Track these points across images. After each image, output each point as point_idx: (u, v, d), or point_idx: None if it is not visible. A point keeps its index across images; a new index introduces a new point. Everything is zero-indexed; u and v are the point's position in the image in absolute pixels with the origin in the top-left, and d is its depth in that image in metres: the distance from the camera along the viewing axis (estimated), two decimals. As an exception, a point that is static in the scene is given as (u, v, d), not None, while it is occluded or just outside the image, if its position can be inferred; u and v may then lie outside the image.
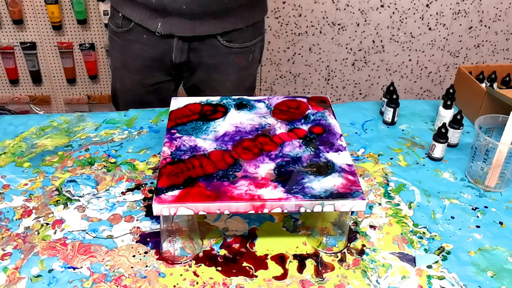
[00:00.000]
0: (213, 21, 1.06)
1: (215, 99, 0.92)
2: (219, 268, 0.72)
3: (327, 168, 0.74)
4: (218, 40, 1.09)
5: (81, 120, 1.06)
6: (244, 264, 0.73)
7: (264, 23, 1.20)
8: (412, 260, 0.75)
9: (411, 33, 2.26)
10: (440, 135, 0.94)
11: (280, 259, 0.74)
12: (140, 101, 1.20)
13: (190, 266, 0.73)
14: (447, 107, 1.01)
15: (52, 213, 0.82)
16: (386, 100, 1.06)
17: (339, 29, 2.21)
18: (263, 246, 0.76)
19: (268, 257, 0.75)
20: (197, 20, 1.05)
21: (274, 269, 0.73)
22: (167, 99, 1.20)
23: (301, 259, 0.74)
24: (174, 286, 0.70)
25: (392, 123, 1.07)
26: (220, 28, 1.08)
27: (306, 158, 0.76)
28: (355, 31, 2.20)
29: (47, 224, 0.79)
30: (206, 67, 1.14)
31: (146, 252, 0.75)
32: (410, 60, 2.34)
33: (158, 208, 0.67)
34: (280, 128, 0.84)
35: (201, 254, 0.75)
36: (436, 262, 0.74)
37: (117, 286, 0.69)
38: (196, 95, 1.05)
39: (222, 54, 1.12)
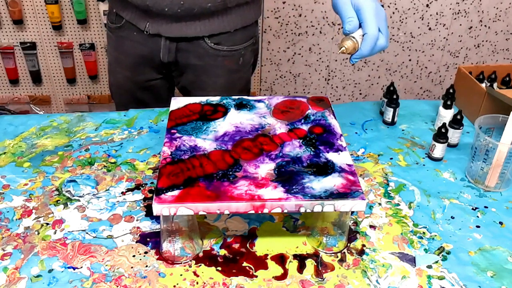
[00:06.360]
0: (199, 23, 1.06)
1: (215, 99, 0.92)
2: (219, 268, 0.72)
3: (327, 168, 0.74)
4: (205, 42, 1.09)
5: (81, 120, 1.06)
6: (244, 264, 0.73)
7: (257, 26, 1.19)
8: (412, 260, 0.75)
9: (411, 33, 2.26)
10: (440, 135, 0.94)
11: (280, 259, 0.74)
12: (134, 98, 1.21)
13: (190, 266, 0.73)
14: (447, 107, 1.02)
15: (52, 213, 0.82)
16: (386, 100, 1.06)
17: (339, 29, 2.21)
18: (263, 246, 0.76)
19: (268, 257, 0.75)
20: (183, 22, 1.05)
21: (274, 269, 0.73)
22: (162, 98, 1.22)
23: (301, 259, 0.74)
24: (174, 286, 0.70)
25: (392, 123, 1.07)
26: (207, 31, 1.08)
27: (306, 158, 0.76)
28: (355, 31, 2.20)
29: (47, 224, 0.79)
30: (194, 68, 1.14)
31: (146, 252, 0.75)
32: (410, 60, 2.34)
33: (158, 208, 0.67)
34: (280, 128, 0.84)
35: (201, 254, 0.75)
36: (436, 262, 0.74)
37: (117, 286, 0.69)
38: (188, 96, 1.05)
39: (210, 56, 1.12)
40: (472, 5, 2.22)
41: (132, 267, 0.72)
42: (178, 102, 0.91)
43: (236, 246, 0.76)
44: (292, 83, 2.36)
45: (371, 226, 0.81)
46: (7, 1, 1.97)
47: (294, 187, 0.70)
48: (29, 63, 2.13)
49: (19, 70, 2.16)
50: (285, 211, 0.69)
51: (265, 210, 0.69)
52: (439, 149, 0.95)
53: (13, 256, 0.74)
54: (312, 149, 0.78)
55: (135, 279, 0.71)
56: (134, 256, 0.74)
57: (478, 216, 0.83)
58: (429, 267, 0.74)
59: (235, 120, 0.86)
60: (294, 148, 0.79)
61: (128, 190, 0.87)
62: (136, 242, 0.77)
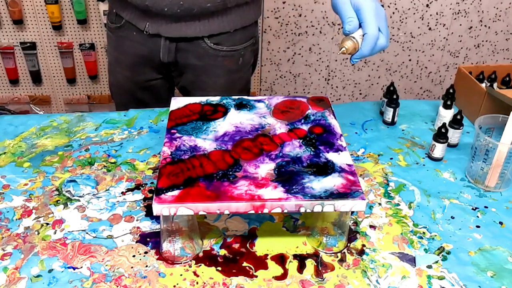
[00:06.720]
0: (199, 23, 1.06)
1: (215, 99, 0.92)
2: (219, 268, 0.72)
3: (327, 168, 0.74)
4: (205, 42, 1.09)
5: (81, 120, 1.06)
6: (244, 264, 0.73)
7: (256, 26, 1.19)
8: (412, 260, 0.75)
9: (411, 33, 2.26)
10: (440, 135, 0.94)
11: (280, 259, 0.74)
12: (134, 98, 1.21)
13: (190, 266, 0.73)
14: (447, 107, 1.02)
15: (52, 213, 0.82)
16: (386, 100, 1.06)
17: (339, 29, 2.21)
18: (263, 246, 0.76)
19: (268, 257, 0.75)
20: (183, 22, 1.05)
21: (274, 269, 0.73)
22: (162, 98, 1.22)
23: (301, 259, 0.74)
24: (174, 286, 0.70)
25: (392, 123, 1.07)
26: (206, 31, 1.08)
27: (306, 158, 0.76)
28: (355, 31, 2.20)
29: (47, 224, 0.79)
30: (194, 68, 1.14)
31: (146, 252, 0.75)
32: (410, 60, 2.34)
33: (158, 208, 0.67)
34: (280, 128, 0.84)
35: (201, 254, 0.75)
36: (436, 262, 0.74)
37: (117, 286, 0.69)
38: (188, 96, 1.05)
39: (209, 56, 1.12)
40: (472, 5, 2.22)
41: (132, 267, 0.72)
42: (178, 102, 0.91)
43: (236, 246, 0.76)
44: (292, 83, 2.36)
45: (371, 226, 0.81)
46: (7, 1, 1.97)
47: (294, 187, 0.70)
48: (29, 63, 2.13)
49: (19, 70, 2.16)
50: (285, 211, 0.69)
51: (265, 210, 0.69)
52: (439, 149, 0.95)
53: (13, 256, 0.74)
54: (312, 149, 0.78)
55: (135, 279, 0.71)
56: (134, 256, 0.74)
57: (478, 216, 0.83)
58: (429, 267, 0.74)
59: (235, 120, 0.86)
60: (294, 148, 0.79)
61: (128, 190, 0.87)
62: (136, 242, 0.77)
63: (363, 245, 0.77)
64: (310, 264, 0.74)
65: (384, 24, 0.80)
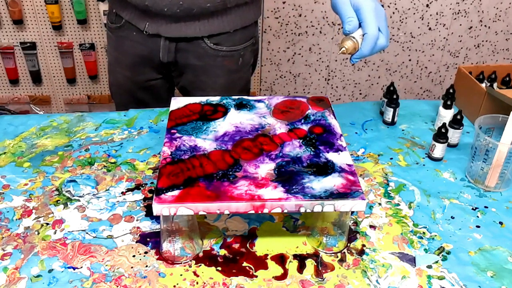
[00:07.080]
0: (199, 23, 1.06)
1: (215, 99, 0.92)
2: (219, 268, 0.72)
3: (327, 168, 0.74)
4: (205, 42, 1.09)
5: (81, 120, 1.06)
6: (244, 264, 0.73)
7: (256, 26, 1.19)
8: (412, 260, 0.75)
9: (411, 33, 2.26)
10: (440, 135, 0.94)
11: (280, 259, 0.74)
12: (134, 98, 1.21)
13: (190, 266, 0.73)
14: (447, 107, 1.02)
15: (52, 213, 0.82)
16: (386, 100, 1.06)
17: (339, 29, 2.21)
18: (263, 246, 0.76)
19: (268, 257, 0.75)
20: (182, 22, 1.05)
21: (274, 269, 0.73)
22: (162, 98, 1.22)
23: (301, 259, 0.74)
24: (174, 286, 0.70)
25: (392, 123, 1.07)
26: (206, 31, 1.08)
27: (306, 158, 0.76)
28: (355, 31, 2.20)
29: (47, 224, 0.79)
30: (194, 68, 1.14)
31: (146, 252, 0.75)
32: (410, 60, 2.34)
33: (158, 208, 0.67)
34: (280, 128, 0.84)
35: (201, 254, 0.75)
36: (436, 262, 0.74)
37: (117, 286, 0.69)
38: (188, 96, 1.05)
39: (209, 56, 1.12)
40: (472, 5, 2.22)
41: (132, 267, 0.72)
42: (178, 102, 0.91)
43: (236, 246, 0.76)
44: (292, 83, 2.36)
45: (371, 226, 0.81)
46: (7, 1, 1.97)
47: (294, 187, 0.70)
48: (29, 63, 2.13)
49: (19, 70, 2.16)
50: (285, 211, 0.69)
51: (265, 210, 0.69)
52: (439, 149, 0.95)
53: (13, 256, 0.74)
54: (312, 149, 0.78)
55: (135, 279, 0.71)
56: (134, 256, 0.74)
57: (478, 216, 0.83)
58: (429, 267, 0.74)
59: (235, 120, 0.86)
60: (294, 148, 0.79)
61: (128, 190, 0.87)
62: (136, 242, 0.77)
63: (363, 245, 0.77)
64: (310, 264, 0.74)
65: (384, 24, 0.80)
